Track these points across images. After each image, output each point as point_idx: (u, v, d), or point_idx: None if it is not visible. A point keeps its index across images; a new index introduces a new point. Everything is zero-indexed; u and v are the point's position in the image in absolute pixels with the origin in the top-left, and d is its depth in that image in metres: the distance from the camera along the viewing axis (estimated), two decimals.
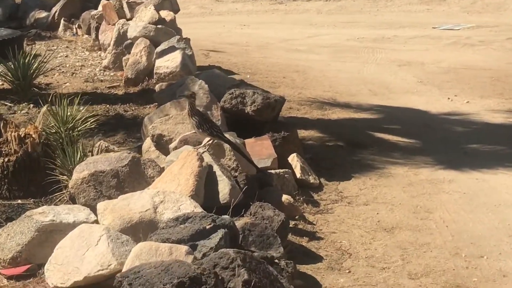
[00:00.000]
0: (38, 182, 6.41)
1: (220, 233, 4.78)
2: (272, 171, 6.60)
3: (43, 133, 6.75)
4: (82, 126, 7.12)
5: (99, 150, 7.07)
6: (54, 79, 10.56)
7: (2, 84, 9.80)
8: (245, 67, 12.58)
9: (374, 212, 6.61)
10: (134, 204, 5.26)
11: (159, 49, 9.76)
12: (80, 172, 5.84)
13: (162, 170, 5.96)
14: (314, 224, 6.27)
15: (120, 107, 9.09)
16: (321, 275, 5.41)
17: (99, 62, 11.48)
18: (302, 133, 8.76)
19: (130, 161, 5.89)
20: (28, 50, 12.32)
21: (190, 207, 5.25)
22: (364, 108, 10.18)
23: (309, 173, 7.08)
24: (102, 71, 10.97)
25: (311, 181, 7.02)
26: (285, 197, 6.21)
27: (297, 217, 6.27)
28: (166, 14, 11.05)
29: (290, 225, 6.08)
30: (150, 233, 4.89)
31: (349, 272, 5.49)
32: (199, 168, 5.65)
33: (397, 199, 6.92)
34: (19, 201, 6.26)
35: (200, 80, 7.43)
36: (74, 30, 13.97)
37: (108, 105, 9.18)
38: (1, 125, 6.69)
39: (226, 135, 6.23)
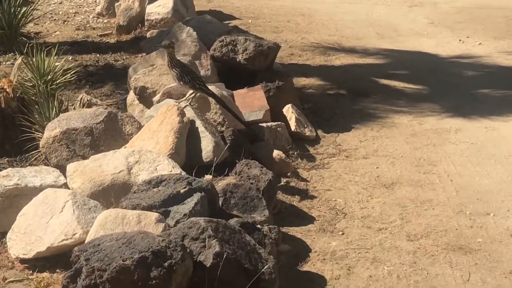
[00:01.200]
0: (13, 140, 5.98)
1: (196, 197, 4.36)
2: (264, 124, 6.14)
3: (19, 86, 6.29)
4: (62, 79, 6.64)
5: (81, 104, 6.65)
6: (44, 27, 10.07)
7: None
8: (248, 11, 12.03)
9: (374, 166, 6.16)
10: (106, 165, 4.85)
11: None
12: (52, 130, 5.41)
13: (141, 126, 5.52)
14: (308, 181, 5.82)
15: (111, 57, 8.63)
16: (311, 238, 4.99)
17: (93, 9, 10.96)
18: (303, 81, 8.30)
19: (106, 117, 5.45)
20: None
21: (168, 167, 4.84)
22: (370, 53, 9.66)
23: (305, 125, 6.62)
24: (95, 18, 10.47)
25: (307, 134, 6.57)
26: (276, 153, 5.77)
27: (289, 174, 5.82)
28: None
29: (282, 183, 5.67)
30: (122, 198, 4.48)
31: (343, 234, 5.06)
32: (180, 124, 5.22)
33: (399, 152, 6.45)
34: None
35: (188, 28, 6.93)
36: None
37: (98, 55, 8.71)
38: None
39: (212, 87, 5.77)
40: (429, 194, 5.66)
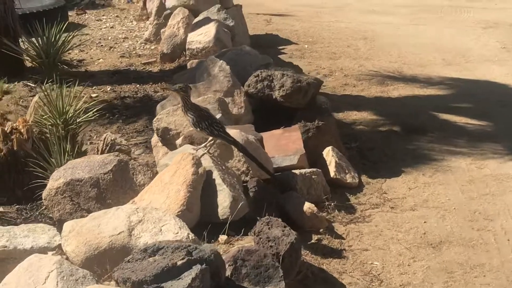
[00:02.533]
0: (25, 185, 5.50)
1: (195, 270, 3.74)
2: (297, 171, 5.50)
3: (35, 127, 5.83)
4: (84, 117, 6.14)
5: (104, 145, 6.14)
6: (89, 54, 9.67)
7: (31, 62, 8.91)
8: (306, 35, 11.42)
9: (421, 220, 5.46)
10: (106, 224, 4.28)
11: (195, 20, 8.70)
12: (56, 180, 4.89)
13: (156, 175, 4.97)
14: (343, 239, 5.16)
15: (151, 87, 8.12)
16: None
17: (143, 34, 10.52)
18: (354, 115, 7.64)
19: (115, 166, 4.90)
20: (76, 20, 11.61)
21: (174, 228, 4.24)
22: (433, 82, 8.92)
23: (347, 171, 5.96)
24: (143, 44, 10.02)
25: (348, 181, 5.90)
26: (307, 206, 5.13)
27: (322, 230, 5.16)
28: None
29: (312, 241, 5.05)
30: (116, 267, 3.90)
31: None
32: (194, 176, 4.63)
33: (452, 202, 5.74)
34: (0, 209, 5.36)
35: (221, 61, 6.35)
36: None
37: (138, 85, 8.22)
38: None
39: (235, 131, 5.17)
40: (482, 257, 4.94)
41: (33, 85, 8.16)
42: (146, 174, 4.96)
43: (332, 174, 5.86)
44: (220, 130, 4.90)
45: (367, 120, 7.49)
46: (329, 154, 6.02)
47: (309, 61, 9.72)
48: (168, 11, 9.41)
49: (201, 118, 4.85)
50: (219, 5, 8.94)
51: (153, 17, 10.08)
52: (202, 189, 4.70)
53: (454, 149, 6.75)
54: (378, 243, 5.13)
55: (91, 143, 6.48)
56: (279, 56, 9.91)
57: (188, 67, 7.67)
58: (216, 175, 4.76)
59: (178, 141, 5.50)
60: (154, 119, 5.76)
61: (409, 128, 7.25)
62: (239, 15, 10.18)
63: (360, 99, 8.18)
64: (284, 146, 5.77)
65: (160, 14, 9.76)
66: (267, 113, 6.35)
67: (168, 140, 5.68)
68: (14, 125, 5.71)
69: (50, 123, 5.98)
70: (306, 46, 10.60)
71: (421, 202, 5.75)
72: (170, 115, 5.73)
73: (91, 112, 6.25)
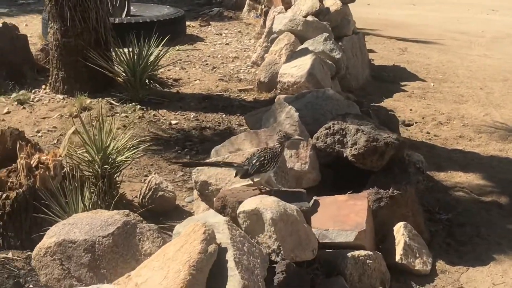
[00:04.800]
0: (43, 228, 4.86)
1: None
2: (351, 253, 4.56)
3: (66, 162, 5.19)
4: (129, 154, 5.43)
5: (147, 189, 5.45)
6: (189, 73, 9.02)
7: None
8: (438, 71, 10.31)
9: None
10: None
11: (298, 49, 7.85)
12: (50, 237, 4.21)
13: (167, 242, 4.18)
14: None
15: (237, 119, 7.36)
16: None
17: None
18: (458, 176, 6.56)
19: (119, 229, 4.16)
20: (196, 32, 11.08)
21: None
22: None
23: (418, 254, 4.94)
24: (249, 67, 9.27)
25: (417, 267, 4.89)
26: None
27: None
28: (332, 3, 9.07)
29: None
30: None
31: None
32: (200, 256, 3.81)
33: None
34: (9, 255, 4.76)
35: (290, 107, 5.46)
36: (259, 11, 12.31)
37: (224, 115, 7.48)
38: (17, 146, 5.22)
39: (271, 200, 4.30)
40: None
41: (116, 104, 7.59)
42: (155, 242, 4.19)
43: (397, 257, 4.87)
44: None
45: (471, 185, 6.39)
46: (399, 232, 5.03)
47: (428, 103, 8.65)
48: (275, 35, 8.60)
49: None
50: (327, 34, 8.03)
51: (263, 38, 9.33)
52: (212, 271, 3.87)
53: None
54: None
55: (144, 180, 5.78)
56: (395, 95, 8.90)
57: (276, 101, 6.84)
58: (230, 255, 3.92)
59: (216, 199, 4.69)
60: (195, 169, 4.98)
61: None
62: (359, 44, 9.26)
63: (472, 157, 7.06)
64: (344, 217, 4.84)
65: (270, 35, 8.97)
66: (338, 173, 5.43)
67: (207, 196, 4.90)
68: (44, 158, 5.09)
69: (89, 159, 5.31)
70: (433, 84, 9.51)
71: None
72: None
73: (137, 150, 5.50)
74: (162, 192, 5.41)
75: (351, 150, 5.23)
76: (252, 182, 4.64)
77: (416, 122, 7.94)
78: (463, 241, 5.43)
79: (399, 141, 5.27)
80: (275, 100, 6.88)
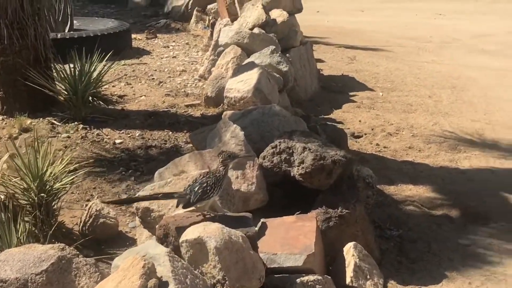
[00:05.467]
0: None
1: None
2: (300, 279, 4.41)
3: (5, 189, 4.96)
4: (68, 180, 5.20)
5: (87, 216, 5.24)
6: (134, 88, 8.82)
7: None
8: (387, 79, 10.26)
9: None
10: None
11: (244, 63, 7.70)
12: None
13: (106, 276, 3.99)
14: None
15: (184, 136, 7.18)
16: None
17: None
18: (408, 190, 6.47)
19: (53, 265, 3.93)
20: (142, 45, 10.88)
21: None
22: None
23: (368, 276, 4.81)
24: (196, 81, 9.11)
25: None
26: None
27: None
28: (278, 14, 8.94)
29: None
30: None
31: None
32: None
33: None
34: None
35: (234, 126, 5.30)
36: (207, 22, 12.14)
37: (171, 132, 7.29)
38: None
39: (215, 227, 4.13)
40: None
41: (58, 123, 7.36)
42: (92, 277, 3.98)
43: (348, 279, 4.74)
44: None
45: (422, 198, 6.30)
46: (349, 253, 4.90)
47: (377, 113, 8.57)
48: (221, 49, 8.44)
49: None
50: (274, 47, 7.88)
51: (210, 51, 9.16)
52: None
53: None
54: None
55: (86, 206, 5.57)
56: (344, 105, 8.80)
57: (223, 118, 6.68)
58: None
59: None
60: (137, 195, 4.80)
61: (469, 215, 6.03)
62: (307, 55, 9.15)
63: (422, 168, 6.99)
64: (292, 239, 4.69)
65: (217, 48, 8.81)
66: (286, 192, 5.28)
67: (150, 223, 4.73)
68: None
69: (24, 187, 5.08)
70: (381, 93, 9.45)
71: None
72: (155, 191, 4.76)
73: (78, 173, 5.29)
74: (104, 219, 5.21)
75: (298, 169, 5.09)
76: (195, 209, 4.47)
77: (365, 134, 7.85)
78: (414, 258, 5.32)
79: (347, 158, 5.15)
80: (222, 116, 6.74)
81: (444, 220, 5.95)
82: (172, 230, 4.31)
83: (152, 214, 4.69)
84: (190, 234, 4.13)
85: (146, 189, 4.81)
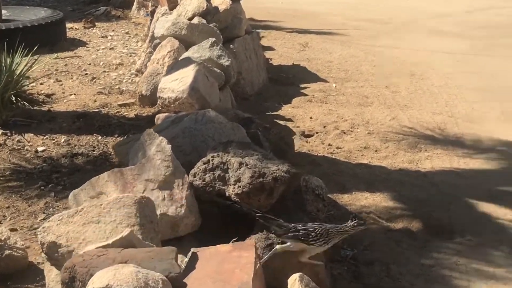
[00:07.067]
0: None
1: None
2: None
3: None
4: None
5: None
6: (64, 86, 8.00)
7: None
8: (341, 68, 9.56)
9: None
10: None
11: (181, 58, 6.92)
12: None
13: None
14: None
15: (115, 141, 6.42)
16: None
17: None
18: (364, 198, 5.81)
19: None
20: (79, 35, 10.05)
21: None
22: (481, 148, 6.99)
23: None
24: (133, 75, 8.32)
25: None
26: None
27: None
28: (220, 1, 8.18)
29: None
30: None
31: None
32: None
33: None
34: None
35: (160, 138, 4.53)
36: (149, 9, 11.30)
37: (100, 137, 6.52)
38: None
39: (128, 270, 3.41)
40: None
41: None
42: None
43: None
44: None
45: (379, 209, 5.63)
46: (294, 286, 4.18)
47: (330, 108, 7.87)
48: (158, 41, 7.66)
49: None
50: (214, 39, 7.11)
51: (147, 43, 8.37)
52: None
53: (486, 270, 4.84)
54: None
55: None
56: (295, 100, 8.09)
57: (156, 122, 5.94)
58: None
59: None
60: (41, 228, 4.05)
61: (431, 227, 5.37)
62: (253, 45, 8.41)
63: (378, 172, 6.32)
64: (227, 273, 3.97)
65: (154, 40, 8.03)
66: (222, 215, 4.57)
67: (58, 260, 3.97)
68: None
69: None
70: (335, 85, 8.75)
71: None
72: (63, 223, 4.02)
73: None
74: (10, 251, 4.47)
75: (234, 188, 4.38)
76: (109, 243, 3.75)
77: (317, 132, 7.15)
78: (371, 284, 4.64)
79: (291, 174, 4.44)
80: (155, 119, 6.02)
81: (404, 235, 5.28)
82: (79, 273, 3.60)
83: (59, 250, 3.94)
84: (98, 281, 3.42)
85: (54, 219, 4.04)
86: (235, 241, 4.28)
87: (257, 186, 4.32)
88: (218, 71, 6.80)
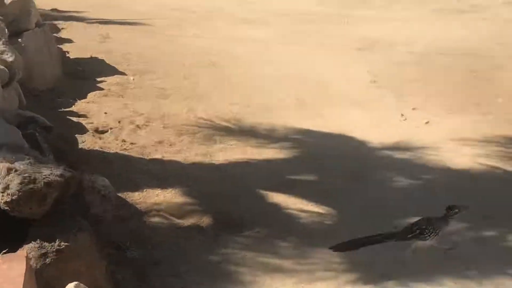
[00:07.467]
0: None
1: None
2: None
3: None
4: None
5: None
6: None
7: None
8: (140, 60, 9.38)
9: None
10: None
11: None
12: None
13: None
14: None
15: None
16: None
17: None
18: (155, 195, 5.72)
19: None
20: None
21: None
22: (275, 138, 7.05)
23: None
24: None
25: None
26: None
27: None
28: None
29: None
30: None
31: None
32: None
33: None
34: None
35: None
36: None
37: None
38: None
39: None
40: None
41: None
42: None
43: None
44: None
45: (170, 205, 5.54)
46: None
47: (126, 102, 7.69)
48: None
49: None
50: None
51: None
52: None
53: (273, 262, 4.85)
54: None
55: None
56: (90, 94, 7.85)
57: None
58: None
59: None
60: None
61: (221, 222, 5.33)
62: (45, 38, 8.08)
63: (172, 167, 6.23)
64: None
65: None
66: None
67: None
68: None
69: None
70: (133, 78, 8.57)
71: None
72: None
73: None
74: None
75: (3, 196, 4.14)
76: None
77: (111, 128, 6.96)
78: (156, 286, 4.53)
79: (66, 177, 4.25)
80: None
81: (193, 231, 5.22)
82: None
83: None
84: None
85: None
86: (5, 253, 4.05)
87: (27, 193, 4.10)
88: (1, 67, 6.45)
